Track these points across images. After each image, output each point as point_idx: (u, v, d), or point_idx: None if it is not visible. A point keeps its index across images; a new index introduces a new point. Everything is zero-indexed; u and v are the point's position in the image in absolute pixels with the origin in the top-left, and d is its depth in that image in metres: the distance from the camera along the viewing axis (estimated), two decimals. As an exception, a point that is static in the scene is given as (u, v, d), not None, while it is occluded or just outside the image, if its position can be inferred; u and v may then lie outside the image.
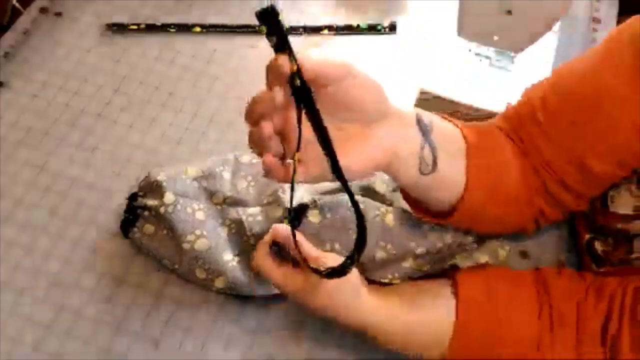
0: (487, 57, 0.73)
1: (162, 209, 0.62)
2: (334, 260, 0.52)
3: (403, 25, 0.85)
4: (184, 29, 0.84)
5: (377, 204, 0.63)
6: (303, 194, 0.64)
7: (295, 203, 0.61)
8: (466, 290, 0.54)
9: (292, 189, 0.46)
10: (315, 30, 0.84)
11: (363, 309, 0.54)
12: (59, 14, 0.85)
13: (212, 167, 0.66)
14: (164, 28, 0.83)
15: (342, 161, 0.45)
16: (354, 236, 0.48)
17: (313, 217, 0.61)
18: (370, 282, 0.58)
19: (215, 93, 0.79)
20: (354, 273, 0.54)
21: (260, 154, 0.45)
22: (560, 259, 0.65)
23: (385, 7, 0.87)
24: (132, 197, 0.65)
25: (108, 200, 0.69)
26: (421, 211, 0.59)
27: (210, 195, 0.65)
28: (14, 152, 0.73)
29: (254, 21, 0.40)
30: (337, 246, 0.61)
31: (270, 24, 0.40)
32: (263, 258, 0.55)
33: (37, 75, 0.79)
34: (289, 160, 0.46)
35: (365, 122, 0.47)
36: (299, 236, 0.54)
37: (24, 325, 0.61)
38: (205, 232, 0.62)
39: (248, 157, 0.68)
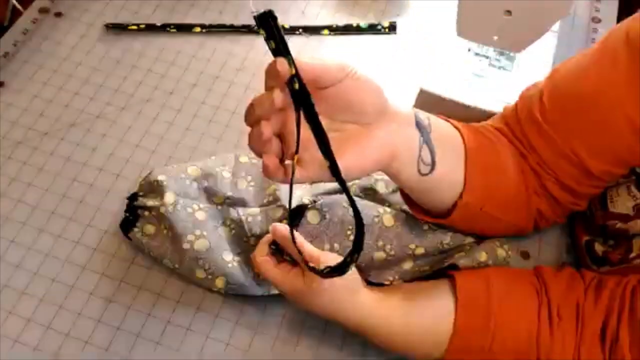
0: (487, 57, 0.73)
1: (162, 209, 0.62)
2: (333, 260, 0.52)
3: (403, 25, 0.85)
4: (184, 29, 0.84)
5: (377, 204, 0.63)
6: (302, 194, 0.64)
7: (294, 203, 0.62)
8: (465, 291, 0.54)
9: (291, 190, 0.47)
10: (315, 30, 0.84)
11: (362, 309, 0.54)
12: (59, 14, 0.85)
13: (212, 167, 0.66)
14: (164, 28, 0.84)
15: (341, 162, 0.45)
16: (353, 236, 0.48)
17: (312, 217, 0.61)
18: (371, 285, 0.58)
19: (215, 93, 0.79)
20: (353, 273, 0.54)
21: (260, 155, 0.46)
22: (560, 259, 0.65)
23: (385, 7, 0.87)
24: (132, 197, 0.65)
25: (108, 200, 0.69)
26: (420, 212, 0.59)
27: (211, 195, 0.65)
28: (14, 152, 0.73)
29: (254, 21, 0.40)
30: (336, 246, 0.61)
31: (268, 27, 0.40)
32: (262, 258, 0.56)
33: (37, 75, 0.79)
34: (288, 161, 0.46)
35: (365, 123, 0.47)
36: (298, 236, 0.54)
37: (24, 325, 0.61)
38: (206, 232, 0.62)
39: (248, 157, 0.68)
